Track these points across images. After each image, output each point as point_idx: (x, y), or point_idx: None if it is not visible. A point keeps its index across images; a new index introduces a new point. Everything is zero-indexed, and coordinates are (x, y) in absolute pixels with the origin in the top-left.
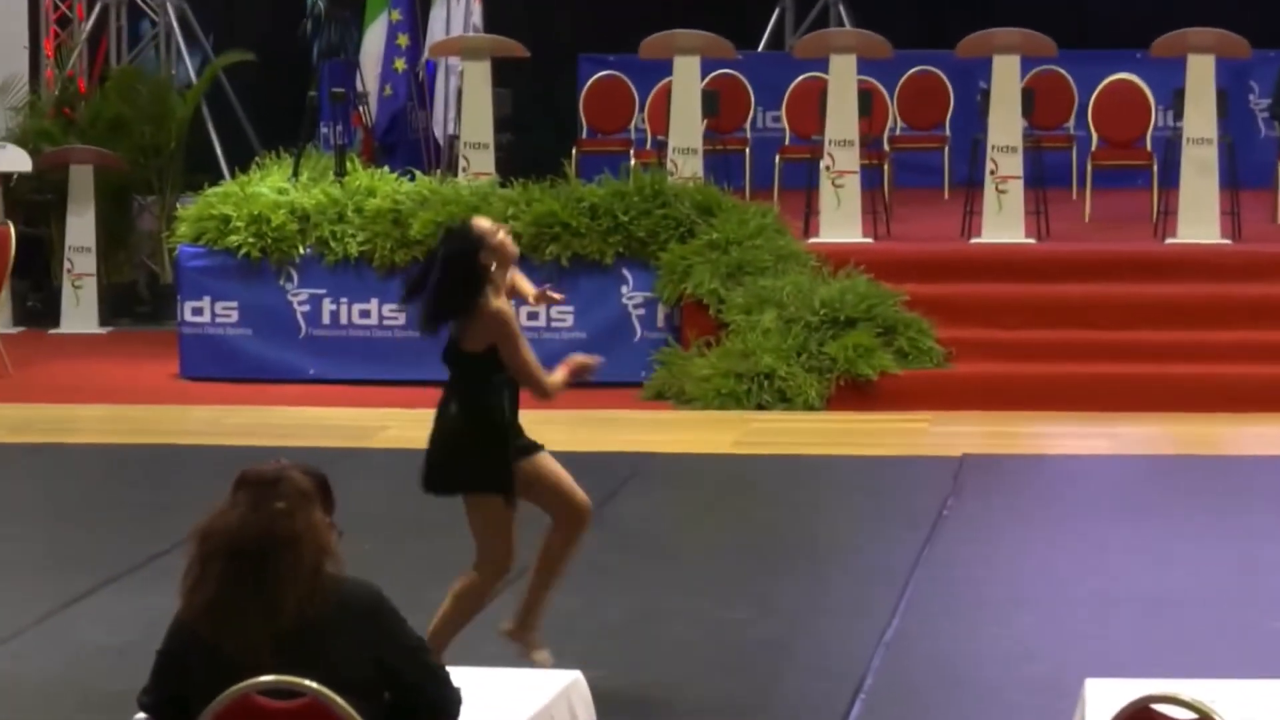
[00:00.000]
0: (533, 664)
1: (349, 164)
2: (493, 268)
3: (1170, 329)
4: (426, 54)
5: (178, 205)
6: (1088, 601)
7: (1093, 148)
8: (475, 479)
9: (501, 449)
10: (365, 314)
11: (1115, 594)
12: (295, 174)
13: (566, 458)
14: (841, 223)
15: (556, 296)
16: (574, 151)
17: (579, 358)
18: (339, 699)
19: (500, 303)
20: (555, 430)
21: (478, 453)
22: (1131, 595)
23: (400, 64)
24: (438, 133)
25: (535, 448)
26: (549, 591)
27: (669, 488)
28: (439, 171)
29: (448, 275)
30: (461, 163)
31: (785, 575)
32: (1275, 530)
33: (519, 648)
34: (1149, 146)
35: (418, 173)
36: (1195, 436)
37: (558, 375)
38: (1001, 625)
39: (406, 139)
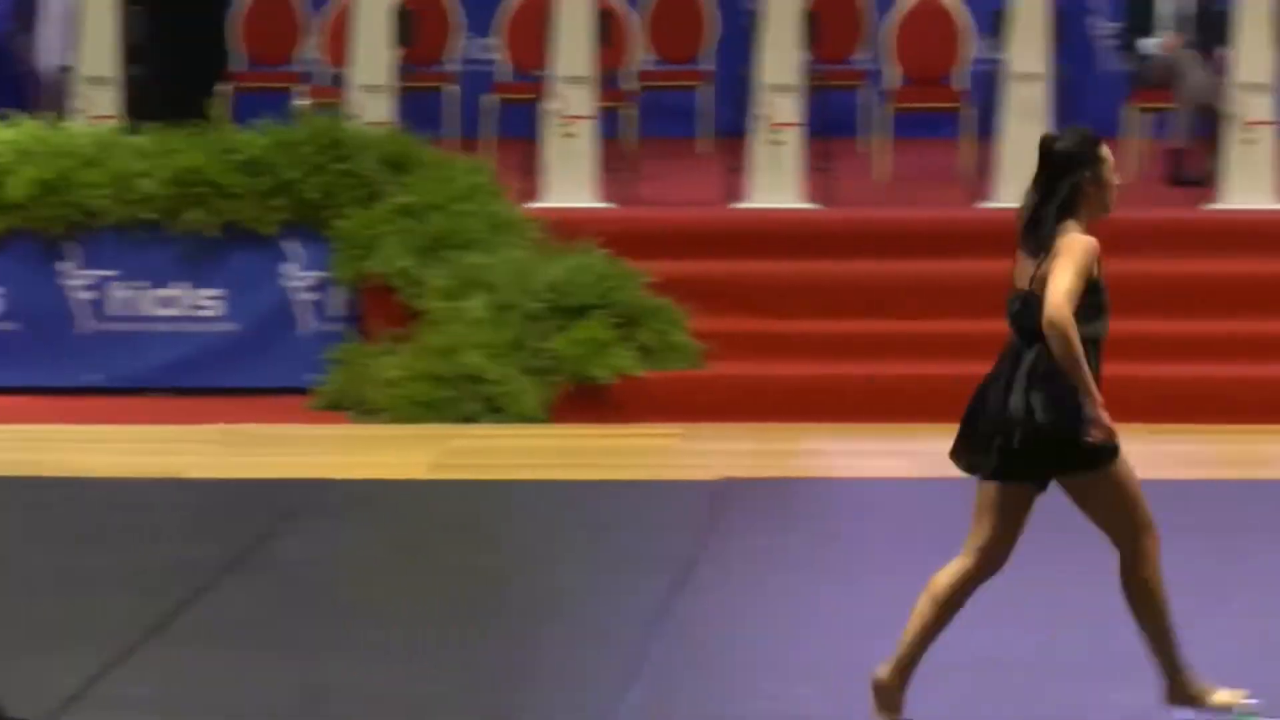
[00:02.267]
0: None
1: None
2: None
3: (986, 318)
4: None
5: None
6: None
7: (891, 86)
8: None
9: None
10: None
11: (941, 659)
12: None
13: (212, 486)
14: (572, 182)
15: None
16: (226, 89)
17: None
18: None
19: None
20: (193, 451)
21: None
22: (936, 657)
23: None
24: (46, 64)
25: None
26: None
27: (345, 524)
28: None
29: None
30: (78, 103)
31: (494, 636)
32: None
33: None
34: (963, 85)
35: (20, 116)
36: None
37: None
38: (771, 697)
39: (4, 73)
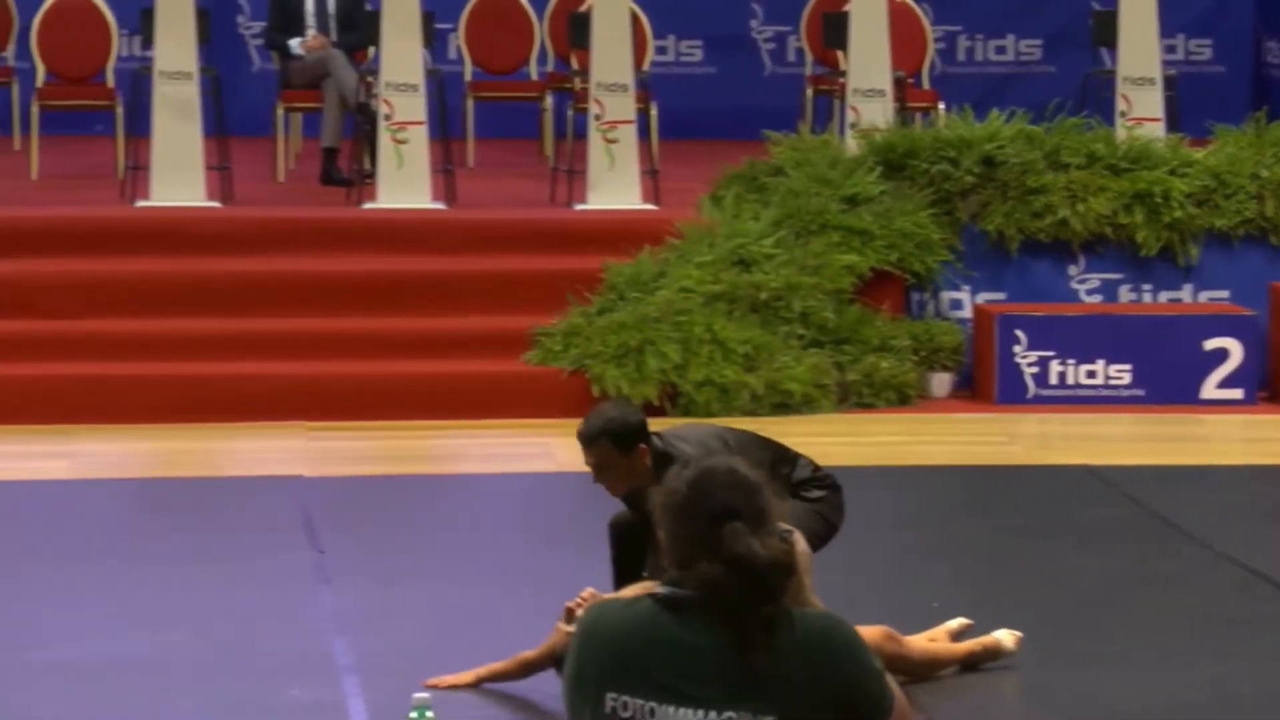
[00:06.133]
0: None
1: None
2: None
3: (145, 316)
4: None
5: None
6: (43, 672)
7: (39, 84)
8: None
9: None
10: None
11: (82, 661)
12: None
13: None
14: None
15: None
16: None
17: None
18: None
19: None
20: None
21: None
22: (104, 661)
23: None
24: None
25: None
26: None
27: None
28: None
29: None
30: None
31: None
32: (273, 572)
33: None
34: (111, 82)
35: None
36: (177, 454)
37: None
38: None
39: None
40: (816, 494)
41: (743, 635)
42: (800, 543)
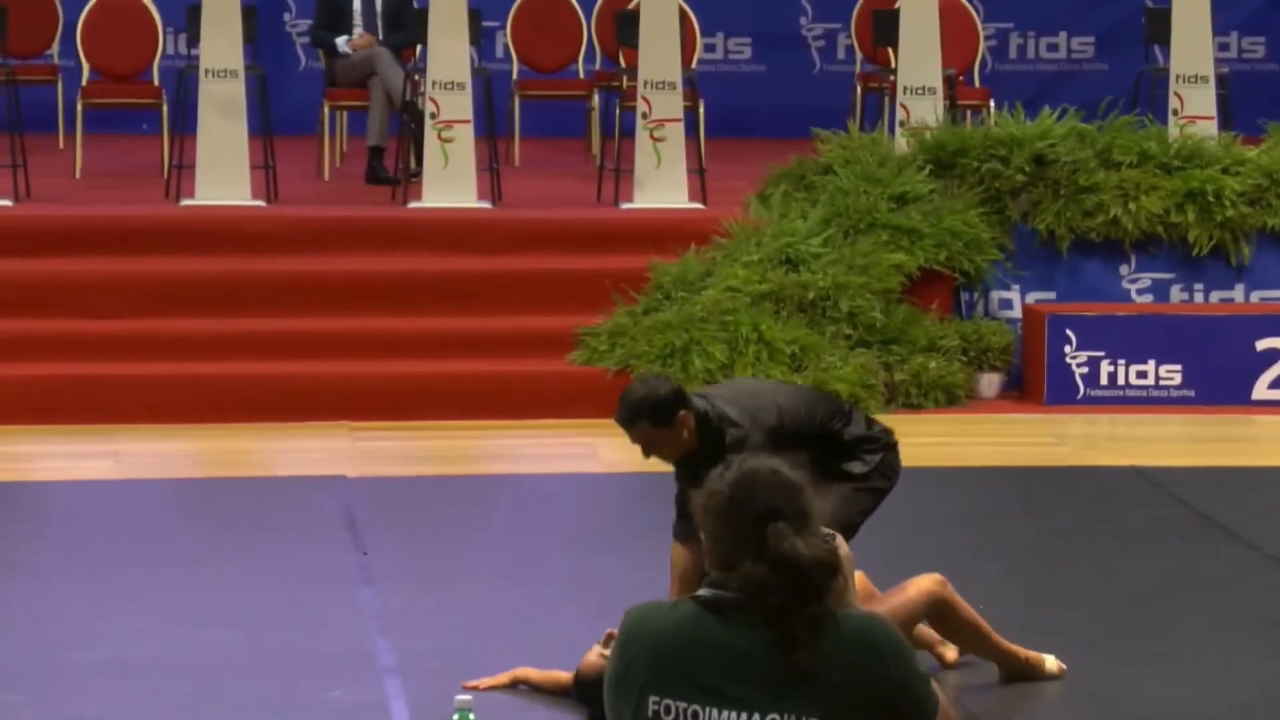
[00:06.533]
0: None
1: None
2: None
3: (190, 316)
4: None
5: None
6: (87, 672)
7: (84, 82)
8: None
9: None
10: None
11: (125, 661)
12: None
13: None
14: None
15: None
16: None
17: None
18: None
19: None
20: None
21: None
22: (147, 662)
23: None
24: None
25: None
26: None
27: None
28: None
29: None
30: None
31: None
32: (316, 573)
33: None
34: (156, 80)
35: None
36: (221, 454)
37: None
38: None
39: None
40: (870, 459)
41: (786, 635)
42: (843, 546)
